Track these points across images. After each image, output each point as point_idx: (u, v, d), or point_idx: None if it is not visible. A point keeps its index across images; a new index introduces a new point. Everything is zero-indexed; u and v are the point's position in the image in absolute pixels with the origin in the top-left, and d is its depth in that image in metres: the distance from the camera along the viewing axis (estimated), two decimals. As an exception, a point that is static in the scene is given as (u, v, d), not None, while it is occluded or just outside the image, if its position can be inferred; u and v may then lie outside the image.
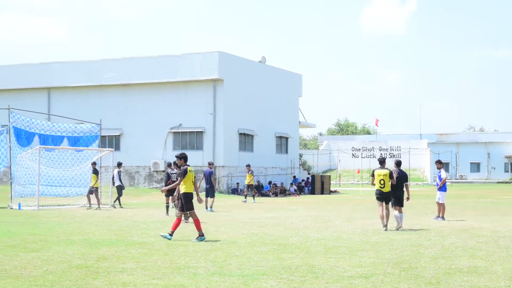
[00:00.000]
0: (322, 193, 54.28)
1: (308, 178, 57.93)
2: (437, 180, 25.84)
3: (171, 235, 17.63)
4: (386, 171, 20.98)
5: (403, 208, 21.42)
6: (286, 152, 59.19)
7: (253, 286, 11.09)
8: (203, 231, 17.84)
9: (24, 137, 34.29)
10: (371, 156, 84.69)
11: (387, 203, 21.07)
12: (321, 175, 58.32)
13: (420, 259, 14.29)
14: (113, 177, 34.09)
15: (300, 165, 63.71)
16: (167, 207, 27.56)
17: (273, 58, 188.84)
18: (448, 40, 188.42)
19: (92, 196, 32.40)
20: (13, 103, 42.69)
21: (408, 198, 22.02)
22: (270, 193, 50.00)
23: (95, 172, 32.31)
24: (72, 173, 34.86)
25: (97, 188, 32.21)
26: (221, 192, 48.63)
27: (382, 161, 21.51)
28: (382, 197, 21.03)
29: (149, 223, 22.85)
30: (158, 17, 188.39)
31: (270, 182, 52.51)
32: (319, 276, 12.15)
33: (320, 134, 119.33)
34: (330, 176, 59.93)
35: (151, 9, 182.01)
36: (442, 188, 25.28)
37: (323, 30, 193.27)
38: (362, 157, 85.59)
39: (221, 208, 32.53)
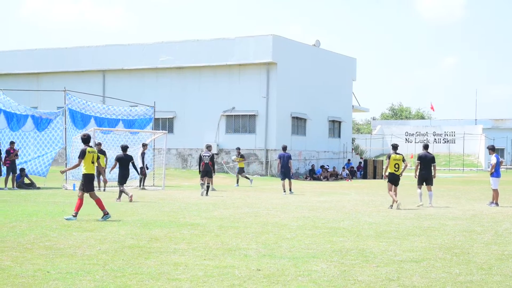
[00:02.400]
0: (374, 177, 53.98)
1: (360, 162, 57.67)
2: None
3: (75, 216, 17.65)
4: (400, 156, 23.37)
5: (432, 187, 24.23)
6: (339, 136, 58.99)
7: (303, 269, 11.12)
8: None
9: (80, 119, 34.84)
10: (425, 141, 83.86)
11: (396, 185, 23.28)
12: (373, 160, 57.96)
13: (472, 244, 14.16)
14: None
15: (352, 149, 63.44)
16: (205, 185, 28.66)
17: (327, 41, 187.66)
18: (505, 24, 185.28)
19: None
20: (69, 85, 43.35)
21: (434, 177, 24.36)
22: (322, 177, 49.92)
23: (102, 152, 30.86)
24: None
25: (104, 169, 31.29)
26: (273, 176, 48.73)
27: (395, 147, 23.76)
28: (394, 179, 23.32)
29: (201, 205, 23.02)
30: (212, 0, 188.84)
31: (322, 166, 52.42)
32: (369, 259, 12.13)
33: (374, 119, 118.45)
34: (383, 161, 59.54)
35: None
36: (494, 174, 24.98)
37: (378, 14, 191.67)
38: (415, 142, 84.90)
39: (273, 191, 32.57)
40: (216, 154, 49.32)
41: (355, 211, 21.50)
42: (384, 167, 24.68)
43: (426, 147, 24.74)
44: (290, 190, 31.15)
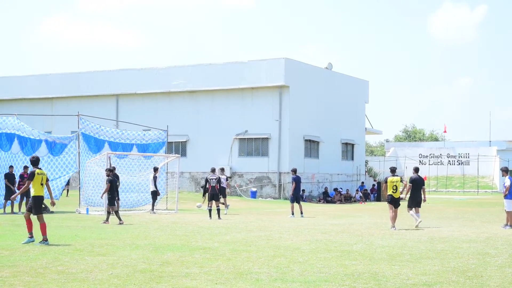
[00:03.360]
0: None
1: (374, 185, 57.50)
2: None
3: (31, 237, 17.68)
4: (397, 178, 24.20)
5: (420, 209, 25.10)
6: (352, 158, 58.91)
7: (315, 293, 11.09)
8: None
9: (94, 144, 34.97)
10: (439, 163, 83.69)
11: (396, 207, 24.00)
12: (387, 182, 57.65)
13: (486, 267, 14.08)
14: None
15: (366, 172, 63.31)
16: (210, 211, 28.66)
17: (340, 64, 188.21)
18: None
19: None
20: (83, 109, 43.62)
21: (424, 200, 25.08)
22: (335, 200, 49.81)
23: (116, 177, 30.45)
24: (139, 179, 35.38)
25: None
26: (286, 199, 48.66)
27: (393, 170, 24.69)
28: (392, 201, 24.12)
29: (214, 229, 23.00)
30: (224, 24, 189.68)
31: (335, 189, 52.32)
32: (381, 283, 12.08)
33: (387, 141, 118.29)
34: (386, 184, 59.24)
35: (217, 17, 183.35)
36: (508, 196, 24.85)
37: (391, 36, 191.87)
38: (429, 164, 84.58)
39: (285, 214, 32.49)
40: (229, 177, 49.31)
41: (368, 234, 21.43)
42: (382, 189, 24.97)
43: (417, 170, 25.12)
44: (302, 213, 31.12)
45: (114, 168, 31.04)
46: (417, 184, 24.71)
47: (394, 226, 23.78)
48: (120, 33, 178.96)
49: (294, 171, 32.38)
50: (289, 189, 48.76)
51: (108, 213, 25.64)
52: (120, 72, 57.12)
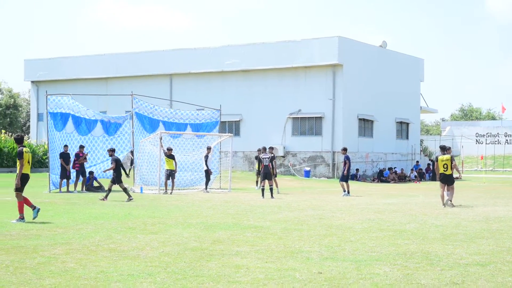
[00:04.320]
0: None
1: (429, 164, 56.86)
2: None
3: (34, 208, 17.66)
4: (448, 156, 24.46)
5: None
6: (407, 138, 58.32)
7: (365, 272, 10.99)
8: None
9: (148, 124, 35.22)
10: (496, 142, 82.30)
11: (449, 185, 24.37)
12: (443, 162, 56.97)
13: (542, 247, 13.79)
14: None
15: (421, 151, 62.64)
16: (263, 190, 28.64)
17: (394, 42, 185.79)
18: None
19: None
20: (137, 89, 43.87)
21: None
22: (389, 179, 49.44)
23: (172, 157, 31.41)
24: (192, 158, 35.56)
25: (173, 172, 31.43)
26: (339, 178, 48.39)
27: (443, 148, 24.94)
28: (444, 179, 24.43)
29: (266, 208, 22.99)
30: (277, 2, 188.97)
31: (390, 168, 51.90)
32: (434, 263, 11.91)
33: (443, 120, 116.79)
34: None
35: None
36: None
37: (447, 13, 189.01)
38: (486, 143, 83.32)
39: (338, 193, 32.33)
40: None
41: (422, 214, 21.18)
42: (435, 168, 24.57)
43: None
44: (348, 192, 31.25)
45: (171, 149, 31.24)
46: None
47: (445, 204, 24.06)
48: (173, 15, 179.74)
49: (345, 149, 32.10)
50: (341, 168, 48.57)
51: (109, 190, 26.22)
52: (173, 52, 57.34)
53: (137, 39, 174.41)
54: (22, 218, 17.58)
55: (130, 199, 25.56)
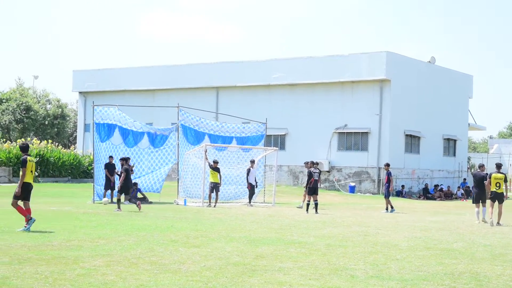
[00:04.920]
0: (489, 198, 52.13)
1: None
2: None
3: (29, 219, 17.41)
4: (501, 175, 24.29)
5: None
6: (454, 155, 57.47)
7: (412, 292, 10.66)
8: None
9: (194, 136, 35.15)
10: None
11: (500, 203, 24.15)
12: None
13: None
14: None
15: (468, 168, 61.70)
16: (308, 205, 28.72)
17: (443, 58, 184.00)
18: None
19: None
20: (183, 101, 43.89)
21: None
22: (436, 197, 48.72)
23: (216, 169, 31.32)
24: (237, 171, 35.41)
25: (217, 184, 31.27)
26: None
27: (498, 166, 24.72)
28: (495, 197, 24.28)
29: (310, 223, 22.69)
30: (325, 16, 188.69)
31: (436, 186, 51.17)
32: (483, 284, 11.53)
33: (491, 137, 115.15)
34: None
35: (318, 9, 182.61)
36: None
37: (496, 29, 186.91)
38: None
39: (383, 209, 31.86)
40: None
41: (469, 232, 20.70)
42: (486, 184, 24.87)
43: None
44: (391, 207, 31.15)
45: (217, 162, 31.14)
46: (478, 180, 25.01)
47: (487, 221, 24.17)
48: (220, 28, 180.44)
49: (388, 165, 31.81)
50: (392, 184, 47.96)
51: (118, 200, 26.41)
52: (220, 64, 57.39)
53: (184, 51, 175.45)
54: (29, 219, 17.47)
55: (118, 210, 25.73)
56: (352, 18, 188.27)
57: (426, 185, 51.05)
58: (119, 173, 31.64)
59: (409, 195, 49.51)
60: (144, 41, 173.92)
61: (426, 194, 49.23)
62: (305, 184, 30.93)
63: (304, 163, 32.37)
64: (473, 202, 25.45)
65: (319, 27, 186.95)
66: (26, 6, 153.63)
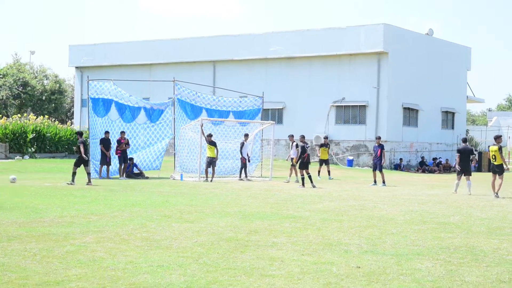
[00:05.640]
0: (489, 170, 52.01)
1: (474, 155, 55.65)
2: None
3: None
4: (495, 147, 24.56)
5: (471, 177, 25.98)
6: (452, 127, 57.23)
7: (406, 267, 10.48)
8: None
9: (190, 110, 34.92)
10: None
11: (499, 175, 24.38)
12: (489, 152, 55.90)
13: None
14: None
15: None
16: (303, 179, 28.36)
17: (441, 30, 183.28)
18: None
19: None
20: (181, 76, 43.64)
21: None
22: (434, 170, 48.55)
23: (212, 143, 31.01)
24: (234, 146, 35.18)
25: (213, 159, 30.99)
26: (384, 168, 47.65)
27: (495, 138, 24.97)
28: (493, 169, 24.81)
29: (306, 197, 22.51)
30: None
31: (434, 159, 50.99)
32: (479, 258, 11.35)
33: (490, 110, 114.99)
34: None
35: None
36: None
37: (494, 0, 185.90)
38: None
39: (380, 183, 31.68)
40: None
41: (467, 206, 20.50)
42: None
43: (464, 140, 26.96)
44: (383, 182, 31.13)
45: (211, 135, 30.94)
46: (465, 154, 26.16)
47: (496, 194, 24.14)
48: (217, 1, 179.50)
49: (380, 138, 32.82)
50: (385, 158, 47.80)
51: (74, 174, 26.50)
52: (217, 38, 56.97)
53: (182, 25, 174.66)
54: None
55: (89, 184, 26.02)
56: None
57: (422, 158, 50.87)
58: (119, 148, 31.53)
59: (407, 168, 49.34)
60: (142, 15, 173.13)
61: (423, 167, 49.04)
62: (292, 158, 31.09)
63: (289, 136, 32.61)
64: (457, 175, 26.40)
65: (316, 0, 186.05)
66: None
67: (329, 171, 35.35)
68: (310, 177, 28.15)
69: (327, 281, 9.43)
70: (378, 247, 12.21)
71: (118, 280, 9.16)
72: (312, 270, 10.08)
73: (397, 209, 18.91)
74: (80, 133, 27.97)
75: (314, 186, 27.69)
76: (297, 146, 30.13)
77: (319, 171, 35.21)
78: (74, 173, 26.46)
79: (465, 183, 25.85)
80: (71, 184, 25.85)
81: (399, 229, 14.67)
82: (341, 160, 50.07)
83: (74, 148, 28.09)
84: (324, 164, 35.50)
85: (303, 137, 29.93)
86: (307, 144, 29.17)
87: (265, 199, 21.37)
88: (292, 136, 32.12)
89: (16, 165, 37.35)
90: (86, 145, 27.45)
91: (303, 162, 28.48)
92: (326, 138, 36.97)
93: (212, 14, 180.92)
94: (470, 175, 26.04)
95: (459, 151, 26.51)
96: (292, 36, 53.04)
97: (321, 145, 35.64)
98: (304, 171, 28.30)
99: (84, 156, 26.62)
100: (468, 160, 26.35)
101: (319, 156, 35.73)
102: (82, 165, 26.60)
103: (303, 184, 28.08)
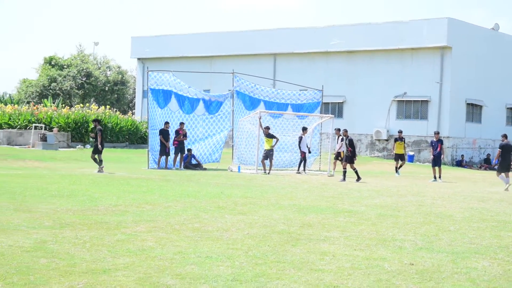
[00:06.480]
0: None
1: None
2: None
3: None
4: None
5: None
6: (518, 124, 56.02)
7: (462, 265, 10.13)
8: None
9: (249, 102, 34.86)
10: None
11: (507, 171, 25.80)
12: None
13: None
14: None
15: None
16: (345, 173, 28.31)
17: (507, 25, 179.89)
18: None
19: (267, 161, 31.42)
20: (241, 68, 43.58)
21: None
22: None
23: (270, 136, 31.16)
24: (292, 139, 34.98)
25: (270, 152, 31.04)
26: (445, 164, 46.89)
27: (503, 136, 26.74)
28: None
29: (363, 191, 22.17)
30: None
31: (498, 156, 49.93)
32: (539, 258, 10.94)
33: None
34: None
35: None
36: None
37: None
38: None
39: (444, 179, 31.12)
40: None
41: (529, 204, 19.93)
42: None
43: (505, 136, 26.95)
44: (440, 177, 30.97)
45: (268, 128, 30.85)
46: (505, 150, 26.29)
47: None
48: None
49: (438, 133, 32.83)
50: (447, 154, 47.01)
51: (95, 160, 27.12)
52: (278, 31, 56.76)
53: (242, 18, 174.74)
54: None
55: (101, 171, 26.41)
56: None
57: (488, 155, 49.88)
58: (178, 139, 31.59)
59: (469, 165, 48.47)
60: (204, 7, 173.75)
61: (488, 164, 48.06)
62: (339, 151, 30.92)
63: (335, 129, 32.19)
64: (497, 171, 27.03)
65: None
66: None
67: (401, 166, 34.38)
68: (344, 172, 28.01)
69: (378, 277, 9.17)
70: (433, 244, 11.87)
71: (165, 270, 9.05)
72: (363, 265, 9.83)
73: (456, 206, 18.46)
74: (98, 121, 28.28)
75: (344, 180, 27.44)
76: (342, 139, 29.84)
77: (396, 167, 34.20)
78: (100, 161, 27.01)
79: (504, 179, 26.13)
80: (102, 169, 26.58)
81: (457, 226, 14.28)
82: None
83: (91, 135, 28.27)
84: (399, 160, 34.36)
85: (346, 131, 29.64)
86: (348, 137, 28.95)
87: (321, 193, 21.12)
88: (339, 129, 31.71)
89: (77, 154, 37.75)
90: (103, 133, 27.75)
91: (347, 156, 28.31)
92: (400, 132, 35.80)
93: (273, 6, 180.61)
94: (509, 171, 26.22)
95: (502, 147, 26.51)
96: (353, 29, 52.51)
97: (396, 140, 34.63)
98: (348, 165, 28.16)
99: (100, 145, 26.93)
100: (509, 157, 26.45)
101: (394, 151, 34.89)
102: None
103: (344, 178, 27.81)
